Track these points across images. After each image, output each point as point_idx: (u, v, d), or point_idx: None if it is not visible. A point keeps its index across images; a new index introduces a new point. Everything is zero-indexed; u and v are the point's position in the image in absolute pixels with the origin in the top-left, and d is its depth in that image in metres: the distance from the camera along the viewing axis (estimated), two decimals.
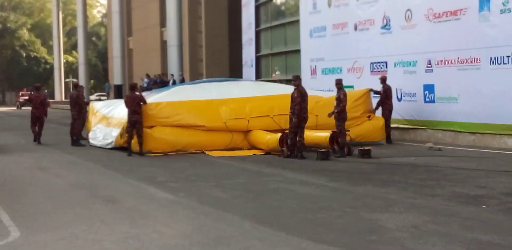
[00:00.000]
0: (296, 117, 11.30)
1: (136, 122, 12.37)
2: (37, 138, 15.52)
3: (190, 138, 12.75)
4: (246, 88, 14.81)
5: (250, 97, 13.78)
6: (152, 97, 13.90)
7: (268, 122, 13.05)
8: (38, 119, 15.51)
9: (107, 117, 14.98)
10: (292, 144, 11.43)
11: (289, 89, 12.25)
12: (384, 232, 5.68)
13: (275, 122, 12.99)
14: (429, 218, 6.17)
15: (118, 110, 14.40)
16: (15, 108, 47.67)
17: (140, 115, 12.44)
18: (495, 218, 6.19)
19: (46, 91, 45.91)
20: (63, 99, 49.40)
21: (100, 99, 24.91)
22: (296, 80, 11.56)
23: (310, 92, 11.92)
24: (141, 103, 12.56)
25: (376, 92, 14.05)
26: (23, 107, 45.20)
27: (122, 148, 12.96)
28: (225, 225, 6.10)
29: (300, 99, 11.32)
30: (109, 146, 13.72)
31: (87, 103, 16.58)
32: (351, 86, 15.35)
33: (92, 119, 15.80)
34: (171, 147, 12.61)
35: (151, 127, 12.71)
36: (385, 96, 13.89)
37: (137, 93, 13.00)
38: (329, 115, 11.72)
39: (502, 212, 6.45)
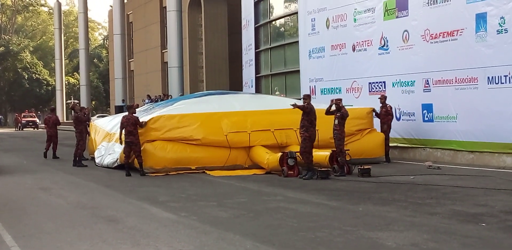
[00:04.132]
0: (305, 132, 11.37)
1: (131, 143, 12.38)
2: (45, 154, 17.22)
3: (191, 154, 12.72)
4: (247, 102, 14.86)
5: (252, 111, 13.80)
6: (155, 113, 13.92)
7: (269, 137, 13.04)
8: (51, 138, 17.44)
9: (110, 134, 15.00)
10: (308, 162, 11.47)
11: (290, 102, 12.23)
12: None
13: (275, 137, 13.02)
14: (429, 236, 6.21)
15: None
16: (16, 129, 47.74)
17: (136, 136, 12.44)
18: (494, 236, 6.22)
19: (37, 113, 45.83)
20: (65, 120, 49.56)
21: None
22: (307, 99, 11.73)
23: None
24: (137, 125, 12.52)
25: (377, 114, 14.17)
26: (24, 129, 45.31)
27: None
28: (227, 244, 6.14)
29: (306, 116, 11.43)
30: (115, 164, 13.61)
31: (88, 124, 16.72)
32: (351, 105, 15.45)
33: (96, 137, 15.83)
34: (172, 163, 12.58)
35: (153, 140, 12.70)
36: (391, 116, 14.03)
37: (134, 114, 13.04)
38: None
39: (501, 230, 6.48)
